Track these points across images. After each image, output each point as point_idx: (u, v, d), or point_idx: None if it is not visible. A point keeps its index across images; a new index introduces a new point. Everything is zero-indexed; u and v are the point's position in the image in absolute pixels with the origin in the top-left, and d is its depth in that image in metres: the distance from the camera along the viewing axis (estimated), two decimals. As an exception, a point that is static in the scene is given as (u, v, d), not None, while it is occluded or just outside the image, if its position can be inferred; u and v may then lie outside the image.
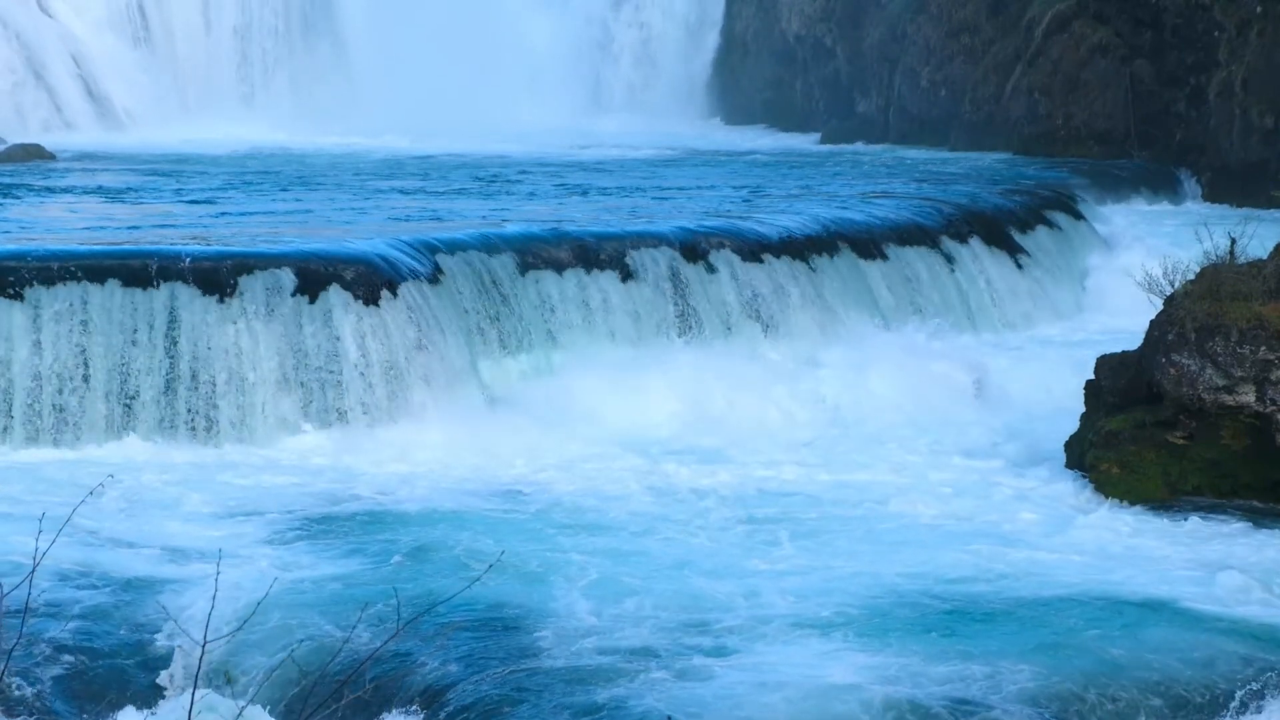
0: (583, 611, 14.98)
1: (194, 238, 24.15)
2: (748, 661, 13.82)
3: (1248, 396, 18.52)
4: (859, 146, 50.54)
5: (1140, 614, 14.80)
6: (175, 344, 21.14)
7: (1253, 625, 14.68)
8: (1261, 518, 18.10)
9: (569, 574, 15.94)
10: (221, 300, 21.46)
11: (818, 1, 57.10)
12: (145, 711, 13.73)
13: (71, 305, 21.12)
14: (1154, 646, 14.10)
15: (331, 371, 21.47)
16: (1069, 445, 19.90)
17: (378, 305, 21.98)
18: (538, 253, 24.27)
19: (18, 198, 31.21)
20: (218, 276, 21.65)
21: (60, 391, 20.78)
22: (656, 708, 12.88)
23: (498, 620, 14.73)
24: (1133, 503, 18.60)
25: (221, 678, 13.50)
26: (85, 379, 20.87)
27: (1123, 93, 44.27)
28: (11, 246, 22.84)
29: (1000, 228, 30.71)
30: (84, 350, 20.96)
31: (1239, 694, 13.46)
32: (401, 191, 33.63)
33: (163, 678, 14.34)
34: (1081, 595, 15.27)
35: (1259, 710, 13.35)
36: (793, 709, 12.90)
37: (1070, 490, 19.14)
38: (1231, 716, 13.32)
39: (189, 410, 20.96)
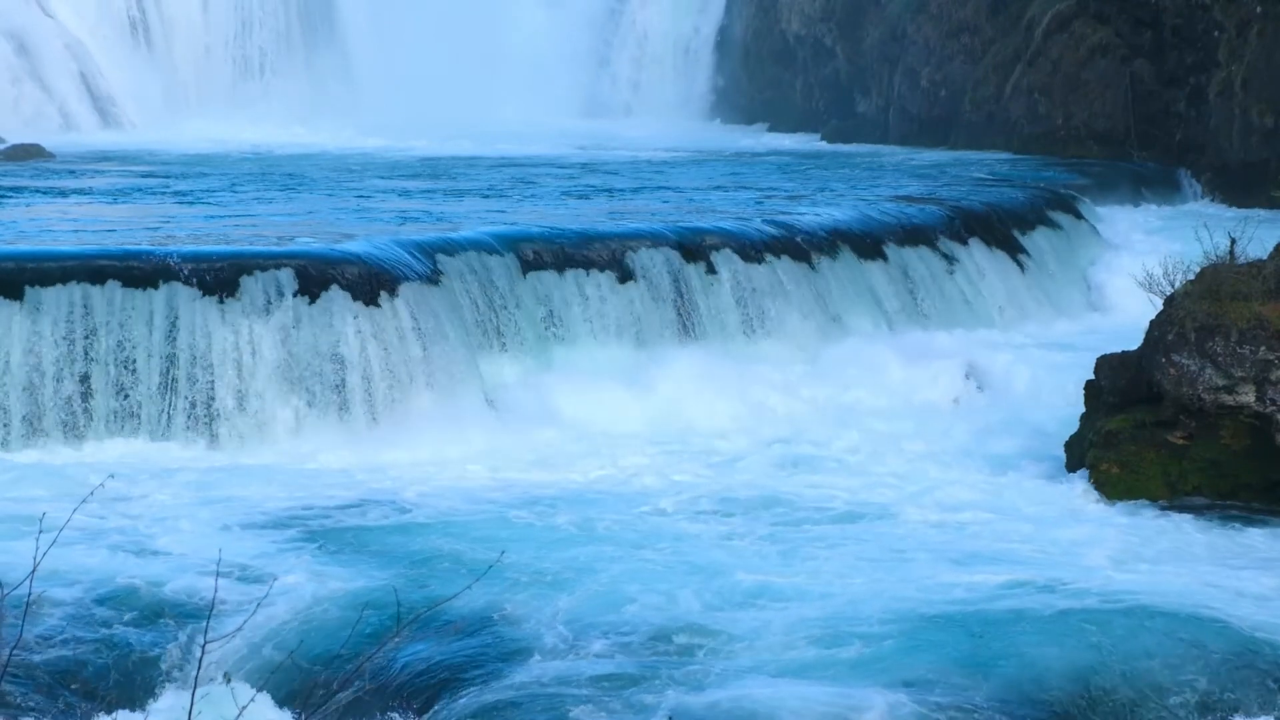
0: (583, 616, 14.94)
1: (194, 238, 24.15)
2: (753, 674, 13.73)
3: (1248, 396, 18.52)
4: (859, 146, 50.53)
5: (1147, 619, 14.73)
6: (174, 345, 21.13)
7: (1256, 626, 14.66)
8: (1261, 518, 18.08)
9: (569, 577, 15.89)
10: (221, 301, 21.46)
11: (818, 1, 57.09)
12: (145, 712, 13.72)
13: (71, 305, 21.12)
14: (1164, 651, 14.03)
15: (331, 372, 21.46)
16: (1069, 446, 19.89)
17: (378, 306, 21.97)
18: (537, 253, 24.26)
19: (18, 198, 31.20)
20: (218, 277, 21.65)
21: (60, 393, 20.78)
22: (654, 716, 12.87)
23: (497, 623, 14.70)
24: (1133, 503, 18.59)
25: (221, 678, 13.49)
26: (85, 380, 20.86)
27: (1123, 93, 44.25)
28: (11, 247, 22.84)
29: (1000, 228, 30.69)
30: (84, 351, 20.95)
31: (1250, 699, 13.45)
32: (401, 192, 33.62)
33: (162, 678, 14.33)
34: (1088, 602, 15.05)
35: (1262, 712, 13.36)
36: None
37: (1071, 491, 19.10)
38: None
39: (188, 412, 20.96)
